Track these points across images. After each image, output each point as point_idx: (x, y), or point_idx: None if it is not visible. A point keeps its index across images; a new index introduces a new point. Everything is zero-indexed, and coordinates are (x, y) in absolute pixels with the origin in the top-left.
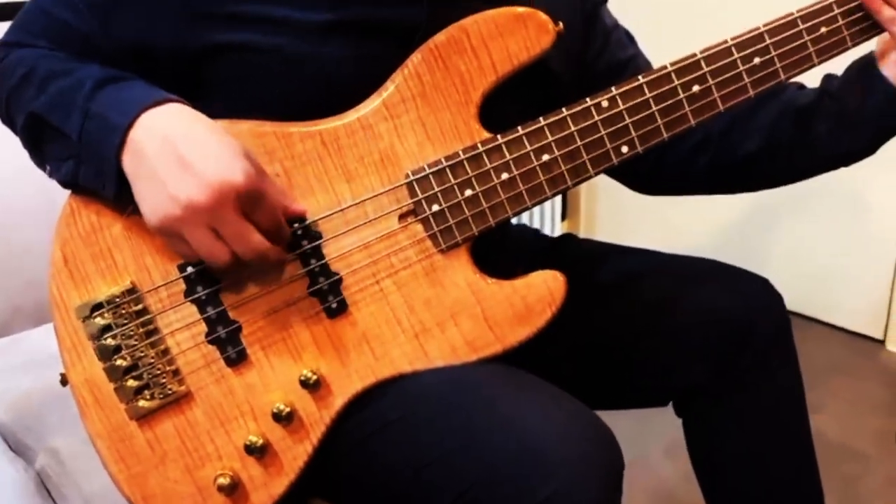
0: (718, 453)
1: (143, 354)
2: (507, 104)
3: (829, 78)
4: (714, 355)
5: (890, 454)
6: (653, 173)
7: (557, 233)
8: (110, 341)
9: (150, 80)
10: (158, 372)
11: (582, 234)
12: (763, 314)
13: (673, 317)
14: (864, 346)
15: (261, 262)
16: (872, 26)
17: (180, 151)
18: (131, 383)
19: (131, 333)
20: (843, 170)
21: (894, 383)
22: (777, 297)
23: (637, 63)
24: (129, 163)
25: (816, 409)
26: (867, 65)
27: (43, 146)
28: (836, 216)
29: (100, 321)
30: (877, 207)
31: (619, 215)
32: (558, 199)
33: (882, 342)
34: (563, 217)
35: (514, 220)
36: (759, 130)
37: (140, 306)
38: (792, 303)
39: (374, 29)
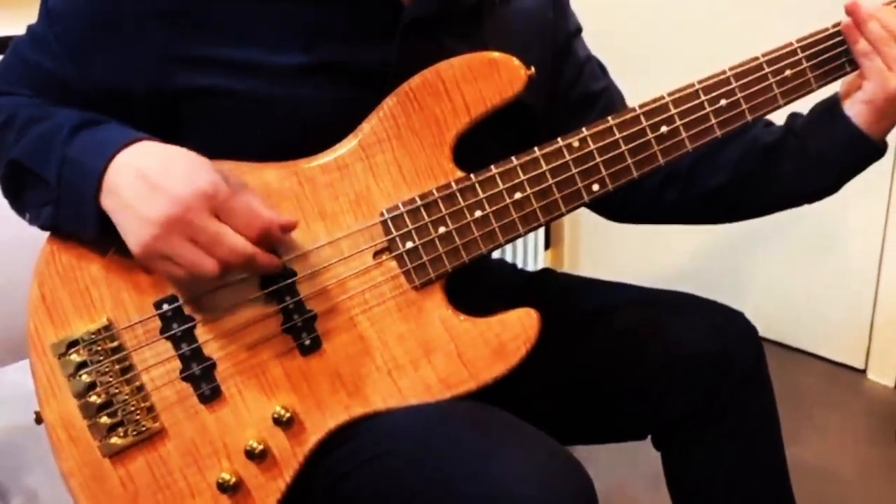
0: (697, 485)
1: (117, 391)
2: (481, 138)
3: (793, 116)
4: (690, 389)
5: (871, 483)
6: (622, 206)
7: (541, 262)
8: (85, 378)
9: (129, 122)
10: (132, 409)
11: (565, 264)
12: (739, 347)
13: (649, 351)
14: (845, 376)
15: (250, 269)
16: (836, 69)
17: (151, 179)
18: (105, 420)
19: (106, 370)
20: (822, 200)
21: (876, 413)
22: (752, 330)
23: (610, 94)
24: (107, 202)
25: (798, 439)
26: (832, 105)
27: (23, 194)
28: (816, 246)
29: (75, 358)
30: (856, 236)
31: (603, 245)
32: (541, 229)
33: (863, 371)
34: (547, 247)
35: (496, 254)
36: (726, 167)
37: (116, 343)
38: (773, 333)
39: (346, 70)
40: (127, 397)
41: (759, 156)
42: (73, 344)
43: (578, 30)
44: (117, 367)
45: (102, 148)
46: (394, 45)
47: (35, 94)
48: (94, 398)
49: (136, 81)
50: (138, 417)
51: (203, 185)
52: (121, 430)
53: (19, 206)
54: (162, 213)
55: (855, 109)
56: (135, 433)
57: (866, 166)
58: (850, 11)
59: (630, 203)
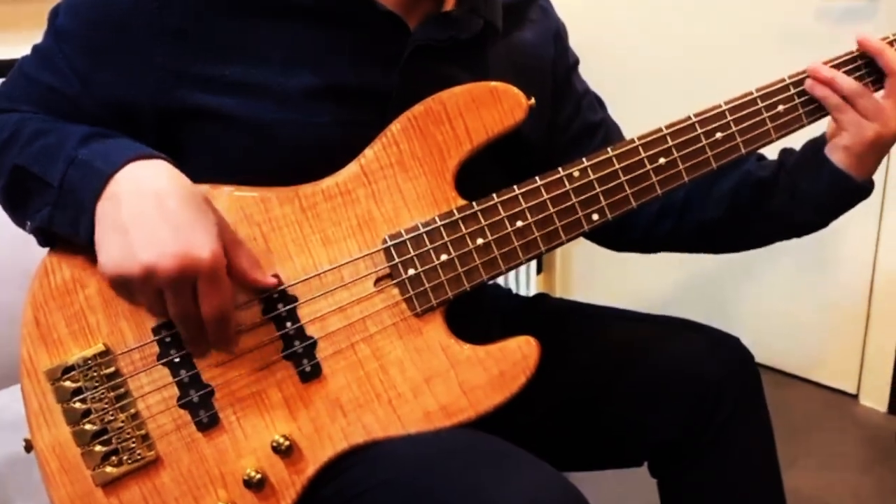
0: None
1: (112, 418)
2: (482, 167)
3: (786, 153)
4: (686, 414)
5: None
6: (620, 236)
7: (533, 287)
8: (79, 405)
9: (135, 139)
10: (128, 437)
11: (557, 288)
12: (734, 373)
13: (645, 376)
14: (837, 401)
15: (186, 334)
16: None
17: (156, 212)
18: (99, 448)
19: (101, 397)
20: None
21: (868, 437)
22: (748, 356)
23: (607, 125)
24: (102, 209)
25: (791, 464)
26: (818, 147)
27: (26, 200)
28: (808, 271)
29: (70, 384)
30: (847, 261)
31: (595, 270)
32: None
33: (856, 397)
34: (539, 271)
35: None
36: (721, 200)
37: (112, 369)
38: (765, 358)
39: (350, 94)
40: (122, 425)
41: (751, 190)
42: (67, 370)
43: (576, 63)
44: (112, 393)
45: (114, 155)
46: (398, 71)
47: (41, 112)
48: (88, 425)
49: (142, 99)
50: (133, 446)
51: (204, 255)
52: (115, 458)
53: (21, 214)
54: (153, 262)
55: (836, 154)
56: (129, 462)
57: (854, 205)
58: (812, 74)
59: (627, 233)
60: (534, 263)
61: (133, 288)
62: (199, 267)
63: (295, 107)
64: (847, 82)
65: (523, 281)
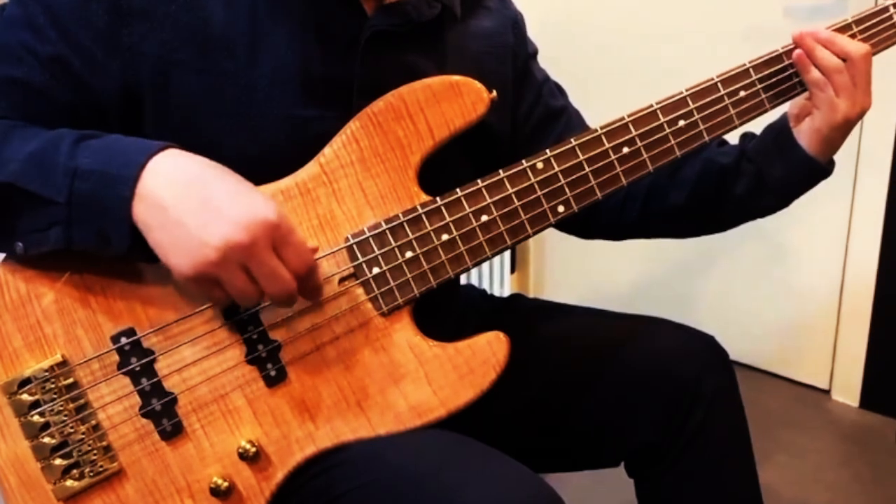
0: None
1: (72, 431)
2: (449, 161)
3: (746, 137)
4: (662, 413)
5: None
6: (586, 224)
7: (507, 286)
8: (37, 418)
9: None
10: (89, 449)
11: (531, 287)
12: (710, 371)
13: (621, 375)
14: (810, 397)
15: (285, 304)
16: (788, 90)
17: (203, 194)
18: (59, 462)
19: (60, 409)
20: (786, 222)
21: (840, 433)
22: (723, 354)
23: (569, 112)
24: (143, 213)
25: (765, 460)
26: (783, 132)
27: (15, 221)
28: (779, 268)
29: (27, 397)
30: (818, 256)
31: (569, 268)
32: (507, 252)
33: (828, 392)
34: (513, 270)
35: (463, 279)
36: (684, 186)
37: (70, 380)
38: (738, 355)
39: (313, 83)
40: (83, 437)
41: (714, 178)
42: (24, 383)
43: (535, 52)
44: (72, 405)
45: (128, 155)
46: (357, 57)
47: (10, 115)
48: (47, 439)
49: (110, 83)
50: (95, 458)
51: (269, 215)
52: (76, 471)
53: (7, 237)
54: (226, 238)
55: (804, 135)
56: (91, 474)
57: (814, 185)
58: (798, 41)
59: (593, 221)
60: (507, 262)
61: (218, 275)
62: (271, 226)
63: (259, 99)
64: (836, 51)
65: (497, 280)
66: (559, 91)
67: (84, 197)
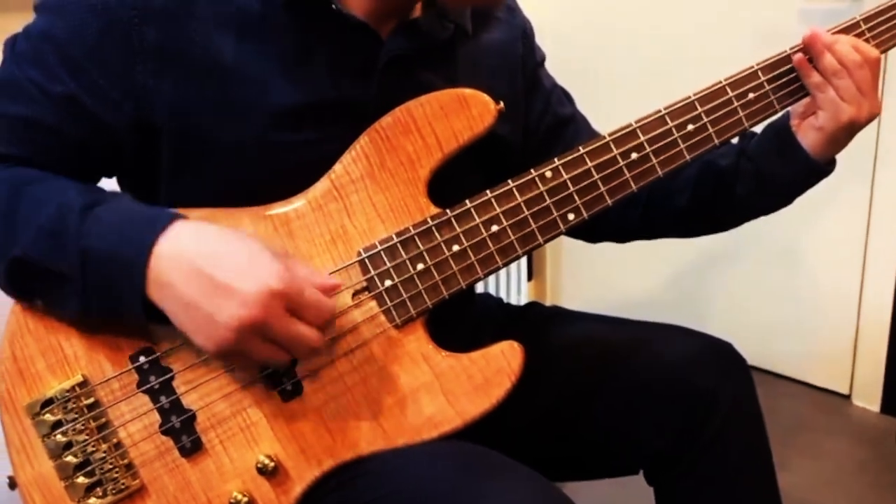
0: None
1: (94, 449)
2: (459, 173)
3: (745, 136)
4: (681, 421)
5: None
6: (591, 229)
7: (524, 293)
8: (60, 437)
9: (112, 160)
10: (110, 467)
11: (548, 294)
12: (727, 379)
13: (638, 383)
14: (830, 402)
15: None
16: (797, 90)
17: (210, 274)
18: (82, 480)
19: (82, 428)
20: (803, 225)
21: (861, 438)
22: (741, 361)
23: (577, 120)
24: (157, 295)
25: (784, 466)
26: (783, 132)
27: (33, 288)
28: (798, 273)
29: (50, 417)
30: (837, 261)
31: (585, 275)
32: (523, 260)
33: (848, 397)
34: (530, 278)
35: (479, 287)
36: (685, 189)
37: (91, 399)
38: (757, 360)
39: (328, 109)
40: (104, 455)
41: (713, 179)
42: (47, 403)
43: (543, 59)
44: (93, 424)
45: (134, 234)
46: (374, 82)
47: (11, 147)
48: (69, 458)
49: (122, 118)
50: (117, 475)
51: (274, 284)
52: (99, 489)
53: (26, 296)
54: (237, 317)
55: (808, 136)
56: (114, 492)
57: (815, 185)
58: (808, 42)
59: (598, 226)
60: (524, 270)
61: (242, 350)
62: (280, 294)
63: (274, 125)
64: (839, 56)
65: (514, 288)
66: (567, 98)
67: (97, 278)
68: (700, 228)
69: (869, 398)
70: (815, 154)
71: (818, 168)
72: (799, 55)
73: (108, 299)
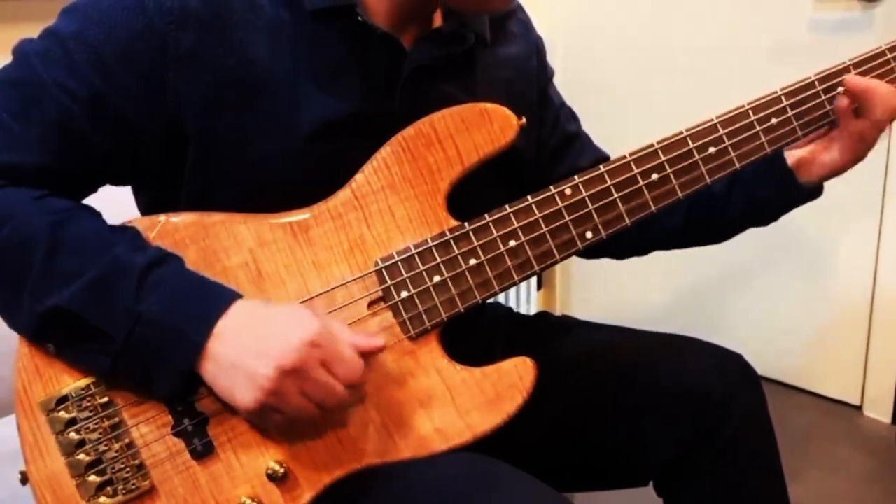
0: None
1: (106, 448)
2: (477, 187)
3: None
4: (691, 433)
5: None
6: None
7: (533, 302)
8: (73, 435)
9: (137, 159)
10: (122, 466)
11: (557, 304)
12: (739, 390)
13: (648, 394)
14: (841, 413)
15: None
16: (820, 118)
17: (258, 346)
18: (94, 479)
19: (95, 427)
20: (814, 236)
21: (872, 450)
22: (752, 372)
23: (582, 138)
24: (208, 369)
25: (795, 477)
26: (778, 161)
27: (57, 335)
28: (809, 283)
29: (64, 415)
30: (848, 270)
31: (595, 285)
32: None
33: (859, 408)
34: (539, 287)
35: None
36: (678, 209)
37: (106, 398)
38: (768, 370)
39: (353, 120)
40: (116, 454)
41: (705, 203)
42: (62, 400)
43: (552, 75)
44: (107, 423)
45: (194, 314)
46: (397, 93)
47: (37, 155)
48: (82, 456)
49: (152, 123)
50: (128, 475)
51: (312, 336)
52: (109, 489)
53: (41, 342)
54: (277, 365)
55: (815, 169)
56: (124, 492)
57: (804, 204)
58: (865, 94)
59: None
60: (534, 280)
61: (277, 403)
62: (319, 342)
63: (300, 137)
64: (883, 112)
65: (524, 297)
66: (572, 115)
67: (145, 343)
68: (691, 244)
69: (880, 409)
70: (810, 182)
71: (811, 195)
72: (846, 101)
73: (144, 364)
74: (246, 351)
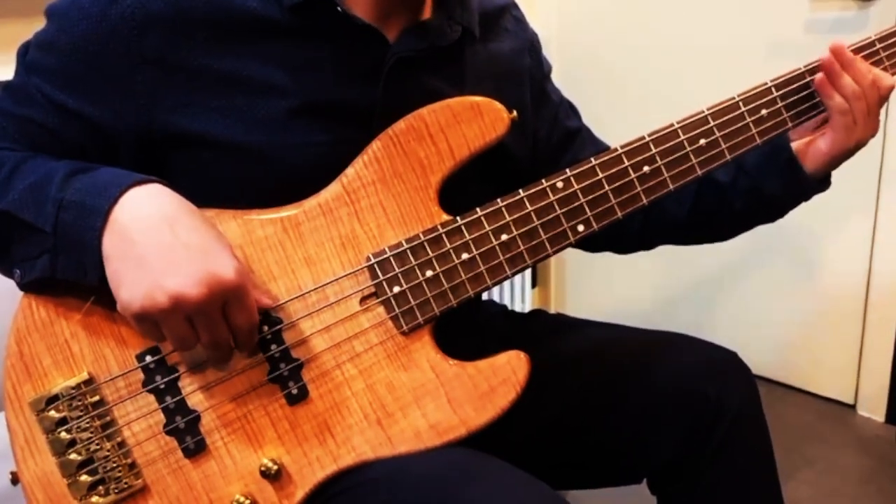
0: None
1: (98, 447)
2: (468, 181)
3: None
4: (685, 431)
5: None
6: (591, 238)
7: (528, 301)
8: (64, 435)
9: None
10: (114, 465)
11: (552, 302)
12: (733, 388)
13: (643, 391)
14: (835, 412)
15: (217, 356)
16: (811, 108)
17: (170, 238)
18: (85, 478)
19: (87, 426)
20: (809, 235)
21: (866, 448)
22: (746, 371)
23: (583, 132)
24: (110, 244)
25: (790, 475)
26: (783, 150)
27: (12, 248)
28: (803, 283)
29: (54, 414)
30: (842, 270)
31: (590, 283)
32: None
33: (853, 407)
34: (534, 285)
35: (484, 295)
36: (684, 201)
37: (96, 397)
38: (762, 370)
39: (333, 111)
40: (108, 454)
41: (712, 192)
42: (52, 400)
43: (549, 71)
44: (98, 422)
45: (106, 188)
46: (380, 85)
47: (24, 149)
48: (73, 455)
49: (123, 127)
50: (120, 475)
51: (230, 275)
52: (101, 488)
53: (6, 263)
54: (182, 290)
55: (813, 157)
56: (116, 491)
57: (809, 199)
58: (836, 52)
59: (597, 236)
60: (529, 277)
61: (162, 320)
62: (227, 287)
63: (280, 129)
64: (857, 78)
65: (518, 295)
66: (573, 110)
67: (66, 227)
68: (697, 240)
69: (874, 408)
70: (814, 173)
71: (817, 187)
72: (821, 76)
73: (72, 251)
74: (157, 251)
